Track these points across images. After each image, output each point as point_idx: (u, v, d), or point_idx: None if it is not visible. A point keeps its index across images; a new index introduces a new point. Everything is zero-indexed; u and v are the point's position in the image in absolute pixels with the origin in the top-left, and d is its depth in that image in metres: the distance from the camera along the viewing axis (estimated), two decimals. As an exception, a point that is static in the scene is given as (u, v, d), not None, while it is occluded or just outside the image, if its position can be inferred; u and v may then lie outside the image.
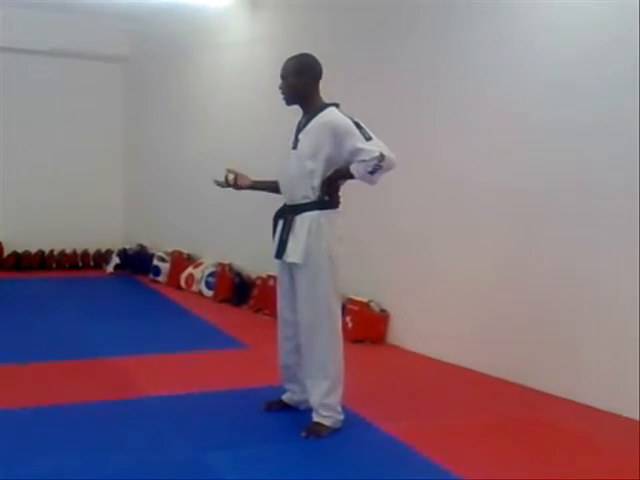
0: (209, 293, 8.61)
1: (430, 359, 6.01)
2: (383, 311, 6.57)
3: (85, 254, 10.82)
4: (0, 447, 3.88)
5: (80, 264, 10.74)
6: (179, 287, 9.07)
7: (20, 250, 10.45)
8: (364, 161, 3.90)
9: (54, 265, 10.56)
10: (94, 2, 9.03)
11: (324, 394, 4.13)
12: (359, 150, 3.92)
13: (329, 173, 4.09)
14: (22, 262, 10.38)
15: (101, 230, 10.83)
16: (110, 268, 10.40)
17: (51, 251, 10.61)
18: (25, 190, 10.42)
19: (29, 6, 9.51)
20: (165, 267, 9.51)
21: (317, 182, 4.10)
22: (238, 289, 8.21)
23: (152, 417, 4.48)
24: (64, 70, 10.53)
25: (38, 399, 4.73)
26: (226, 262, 8.49)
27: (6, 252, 10.40)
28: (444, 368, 5.79)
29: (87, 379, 5.25)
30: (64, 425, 4.25)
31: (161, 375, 5.43)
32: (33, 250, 10.50)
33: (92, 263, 10.82)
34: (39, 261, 10.49)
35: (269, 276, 7.38)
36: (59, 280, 9.90)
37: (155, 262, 9.67)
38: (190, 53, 9.48)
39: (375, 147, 3.90)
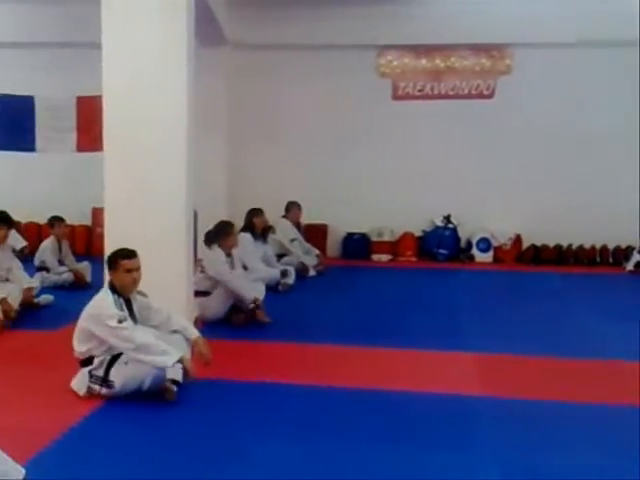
0: None
1: None
2: None
3: (604, 250, 10.22)
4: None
5: (598, 260, 10.20)
6: None
7: (538, 243, 10.44)
8: None
9: (571, 260, 10.25)
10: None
11: None
12: None
13: None
14: (540, 255, 10.35)
15: (620, 226, 10.06)
16: (630, 266, 9.60)
17: (569, 245, 10.31)
18: (541, 185, 10.35)
19: None
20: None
21: None
22: None
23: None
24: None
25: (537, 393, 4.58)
26: None
27: (524, 245, 10.50)
28: None
29: (598, 380, 4.86)
30: (582, 423, 4.04)
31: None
32: (551, 244, 10.37)
33: (611, 260, 10.15)
34: (556, 255, 10.31)
35: None
36: (575, 275, 9.53)
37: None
38: None
39: None
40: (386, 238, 10.61)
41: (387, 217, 10.59)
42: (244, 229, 7.90)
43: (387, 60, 10.71)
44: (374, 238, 10.64)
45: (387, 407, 4.29)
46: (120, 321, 4.24)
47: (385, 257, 10.54)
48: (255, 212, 8.30)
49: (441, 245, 10.45)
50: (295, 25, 10.16)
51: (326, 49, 10.44)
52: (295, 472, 3.40)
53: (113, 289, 4.43)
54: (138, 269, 4.45)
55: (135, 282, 4.46)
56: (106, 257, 4.55)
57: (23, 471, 2.78)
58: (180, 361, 4.22)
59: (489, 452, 3.66)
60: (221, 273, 6.43)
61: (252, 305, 6.31)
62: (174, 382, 4.26)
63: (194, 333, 4.61)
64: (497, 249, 10.50)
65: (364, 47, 10.46)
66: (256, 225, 8.21)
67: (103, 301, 4.36)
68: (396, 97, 10.75)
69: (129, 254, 4.44)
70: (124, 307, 4.40)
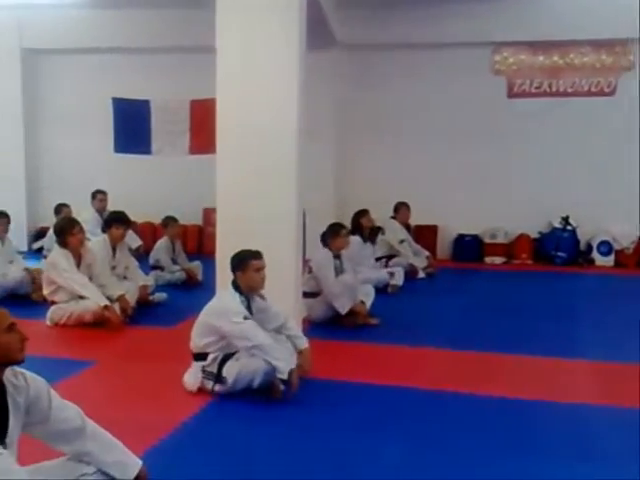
0: None
1: None
2: None
3: None
4: None
5: None
6: None
7: (663, 248, 9.82)
8: None
9: None
10: None
11: None
12: None
13: None
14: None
15: None
16: None
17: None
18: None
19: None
20: None
21: None
22: None
23: None
24: None
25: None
26: None
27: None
28: None
29: None
30: None
31: None
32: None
33: None
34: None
35: None
36: None
37: None
38: None
39: None
40: (500, 240, 10.23)
41: (501, 218, 10.23)
42: (352, 232, 7.79)
43: (503, 57, 10.36)
44: (487, 240, 10.29)
45: (501, 414, 4.12)
46: (246, 318, 4.33)
47: (499, 259, 10.18)
48: (361, 213, 8.21)
49: (559, 248, 9.96)
50: (405, 24, 9.96)
51: (437, 47, 10.20)
52: (403, 474, 3.32)
53: (237, 289, 4.48)
54: (264, 268, 4.51)
55: (263, 281, 4.53)
56: (231, 258, 4.54)
57: (140, 463, 2.83)
58: (291, 372, 4.24)
59: (612, 463, 3.47)
60: (323, 277, 6.39)
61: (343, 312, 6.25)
62: (282, 381, 4.26)
63: (304, 344, 4.67)
64: (619, 253, 9.92)
65: (477, 44, 10.14)
66: (363, 226, 8.12)
67: (231, 299, 4.44)
68: (512, 95, 10.37)
69: (257, 254, 4.51)
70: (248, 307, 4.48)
